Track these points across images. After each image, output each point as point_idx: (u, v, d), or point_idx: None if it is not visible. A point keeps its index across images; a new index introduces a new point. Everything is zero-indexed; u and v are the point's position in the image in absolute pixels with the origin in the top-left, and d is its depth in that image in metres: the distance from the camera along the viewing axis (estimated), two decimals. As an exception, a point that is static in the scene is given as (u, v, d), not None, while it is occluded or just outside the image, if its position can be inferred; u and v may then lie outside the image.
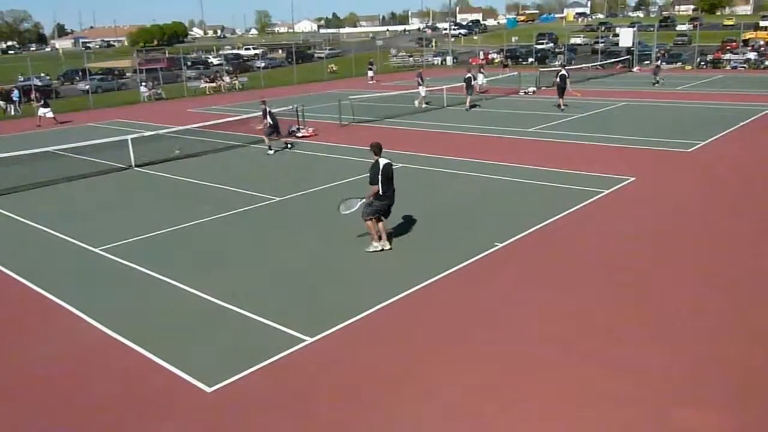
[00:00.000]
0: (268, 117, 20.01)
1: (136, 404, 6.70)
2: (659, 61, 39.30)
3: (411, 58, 66.00)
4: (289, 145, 21.11)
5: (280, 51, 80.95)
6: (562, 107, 26.93)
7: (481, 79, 35.20)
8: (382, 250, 10.71)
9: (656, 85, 35.86)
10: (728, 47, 52.69)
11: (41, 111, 30.63)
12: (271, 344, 7.70)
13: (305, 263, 10.50)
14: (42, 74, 53.46)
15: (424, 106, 30.09)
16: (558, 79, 27.36)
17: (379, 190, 10.37)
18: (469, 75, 29.25)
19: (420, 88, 30.79)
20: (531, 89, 34.50)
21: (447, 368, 7.08)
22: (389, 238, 10.96)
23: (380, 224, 10.77)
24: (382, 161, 10.40)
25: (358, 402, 6.56)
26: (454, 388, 6.67)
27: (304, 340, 7.76)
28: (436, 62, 64.13)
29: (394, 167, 10.83)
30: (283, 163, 19.08)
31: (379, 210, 10.62)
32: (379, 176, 10.32)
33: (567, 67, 29.76)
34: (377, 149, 10.46)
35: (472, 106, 28.82)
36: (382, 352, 7.50)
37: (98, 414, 6.57)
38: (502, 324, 8.09)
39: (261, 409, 6.51)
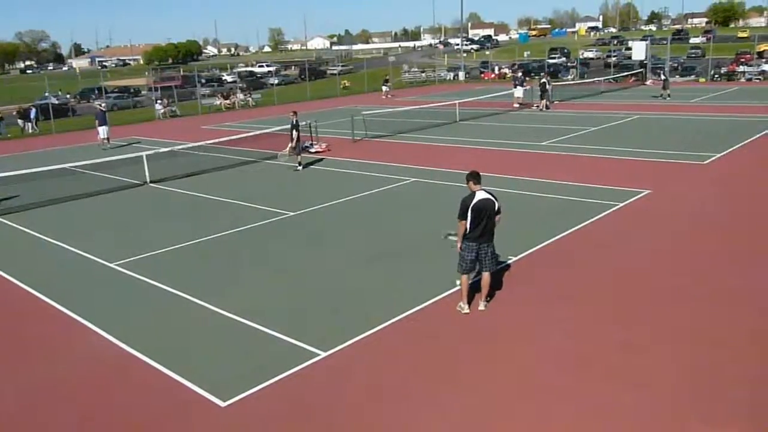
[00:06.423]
0: (293, 130, 19.68)
1: (151, 419, 6.71)
2: (662, 75, 38.87)
3: (423, 74, 66.23)
4: (299, 166, 20.27)
5: (293, 68, 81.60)
6: (542, 109, 32.72)
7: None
8: (461, 310, 8.82)
9: (660, 98, 35.47)
10: (742, 59, 52.21)
11: (101, 131, 27.38)
12: (285, 358, 7.69)
13: (319, 277, 10.50)
14: (59, 92, 54.26)
15: (517, 105, 34.69)
16: (539, 86, 33.54)
17: (467, 229, 8.63)
18: (544, 81, 33.52)
19: (516, 89, 35.07)
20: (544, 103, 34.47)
21: (458, 384, 7.03)
22: (489, 296, 9.08)
23: (464, 278, 8.85)
24: (481, 194, 8.65)
25: (373, 416, 6.52)
26: (465, 404, 6.62)
27: (318, 355, 7.74)
28: (448, 77, 64.31)
29: (489, 200, 8.72)
30: (296, 178, 19.15)
31: (466, 258, 8.73)
32: (469, 211, 8.57)
33: (549, 78, 35.64)
34: (473, 178, 8.78)
35: (546, 107, 32.92)
36: (396, 367, 7.46)
37: (114, 429, 6.58)
38: (512, 340, 8.04)
39: (276, 423, 6.49)
